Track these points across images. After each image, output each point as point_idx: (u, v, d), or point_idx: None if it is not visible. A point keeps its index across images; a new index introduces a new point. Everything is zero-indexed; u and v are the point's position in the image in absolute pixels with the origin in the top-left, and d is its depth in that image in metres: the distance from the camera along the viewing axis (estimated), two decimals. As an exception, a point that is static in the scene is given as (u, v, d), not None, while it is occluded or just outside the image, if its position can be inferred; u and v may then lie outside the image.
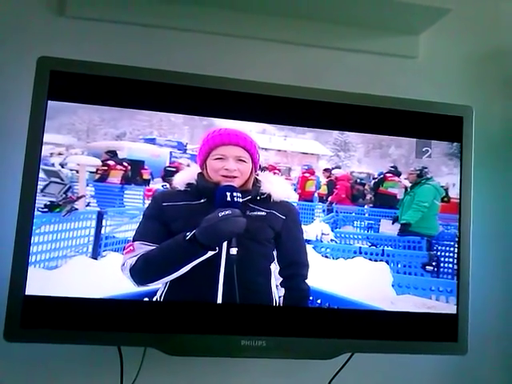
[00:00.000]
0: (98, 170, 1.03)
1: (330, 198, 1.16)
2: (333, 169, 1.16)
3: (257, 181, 1.04)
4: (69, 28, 1.26)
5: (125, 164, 1.05)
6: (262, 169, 1.08)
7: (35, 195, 0.97)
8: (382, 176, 1.17)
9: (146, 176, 1.07)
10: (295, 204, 1.09)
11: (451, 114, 1.18)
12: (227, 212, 0.96)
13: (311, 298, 1.05)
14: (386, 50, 1.39)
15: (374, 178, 1.17)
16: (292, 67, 1.34)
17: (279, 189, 1.05)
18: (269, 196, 1.04)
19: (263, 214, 1.02)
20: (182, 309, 1.02)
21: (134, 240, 0.99)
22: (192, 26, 1.29)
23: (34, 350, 1.13)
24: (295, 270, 1.05)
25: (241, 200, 0.99)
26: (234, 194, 0.98)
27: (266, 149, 1.11)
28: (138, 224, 1.00)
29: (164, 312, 1.02)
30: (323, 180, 1.16)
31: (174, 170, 1.07)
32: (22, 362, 1.16)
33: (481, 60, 1.46)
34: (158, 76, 1.05)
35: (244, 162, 1.02)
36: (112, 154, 1.03)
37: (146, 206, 1.01)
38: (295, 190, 1.13)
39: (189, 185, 1.02)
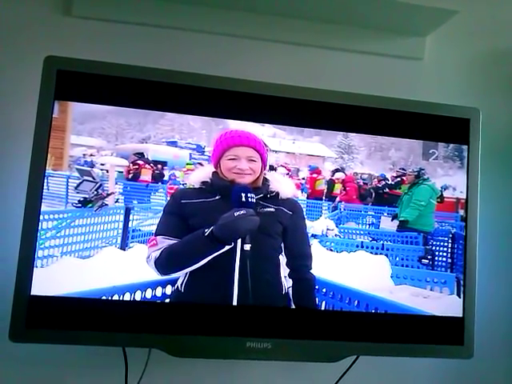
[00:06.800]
0: (130, 169, 1.10)
1: (338, 198, 1.21)
2: (337, 171, 1.22)
3: (266, 180, 1.11)
4: (75, 28, 1.24)
5: (152, 164, 1.13)
6: (274, 169, 1.15)
7: (41, 196, 0.99)
8: (399, 179, 1.21)
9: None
10: (300, 201, 1.15)
11: (458, 116, 1.17)
12: (242, 212, 1.02)
13: (317, 287, 1.09)
14: (393, 52, 1.39)
15: (390, 180, 1.21)
16: (298, 68, 1.33)
17: (286, 187, 1.12)
18: (277, 194, 1.10)
19: (272, 210, 1.08)
20: (186, 310, 1.04)
21: (156, 234, 1.05)
22: (197, 27, 1.29)
23: (38, 351, 1.13)
24: (301, 261, 1.11)
25: (254, 200, 1.05)
26: (249, 194, 1.04)
27: (276, 151, 1.19)
28: (159, 219, 1.06)
29: (169, 313, 1.03)
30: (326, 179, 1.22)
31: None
32: (27, 363, 1.16)
33: (487, 62, 1.44)
34: (162, 76, 1.05)
35: (254, 161, 1.08)
36: (140, 155, 1.11)
37: (166, 203, 1.08)
38: (305, 189, 1.20)
39: (204, 183, 1.08)
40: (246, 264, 1.04)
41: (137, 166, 1.11)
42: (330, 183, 1.23)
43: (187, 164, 1.16)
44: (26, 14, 1.24)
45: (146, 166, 1.12)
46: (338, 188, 1.23)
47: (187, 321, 1.04)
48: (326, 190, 1.22)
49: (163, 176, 1.15)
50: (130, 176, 1.11)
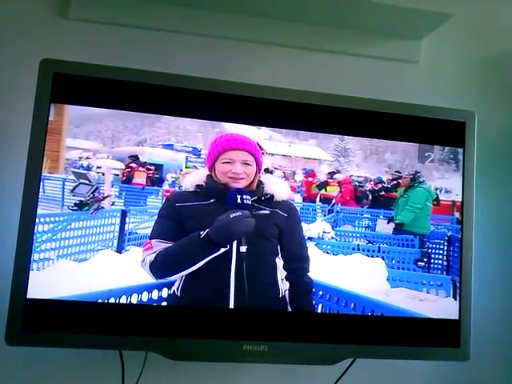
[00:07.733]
0: (124, 172, 1.10)
1: (334, 200, 1.21)
2: (333, 173, 1.22)
3: (260, 182, 1.10)
4: (71, 30, 1.24)
5: (147, 167, 1.13)
6: (270, 172, 1.15)
7: (37, 199, 0.99)
8: (395, 182, 1.21)
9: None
10: (295, 204, 1.15)
11: (454, 119, 1.17)
12: (238, 213, 1.03)
13: (314, 289, 1.09)
14: (388, 55, 1.39)
15: (387, 184, 1.22)
16: (294, 71, 1.34)
17: (281, 189, 1.11)
18: (272, 196, 1.10)
19: (268, 212, 1.08)
20: (183, 313, 1.04)
21: (151, 238, 1.05)
22: (194, 30, 1.29)
23: (34, 354, 1.12)
24: (298, 264, 1.11)
25: (250, 202, 1.05)
26: (244, 196, 1.04)
27: (272, 154, 1.19)
28: (154, 223, 1.06)
29: (165, 316, 1.03)
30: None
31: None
32: (23, 366, 1.15)
33: (482, 66, 1.44)
34: (159, 79, 1.05)
35: (249, 165, 1.08)
36: (135, 157, 1.11)
37: (161, 206, 1.07)
38: (301, 192, 1.20)
39: (198, 186, 1.08)
40: (242, 267, 1.04)
41: (129, 169, 1.11)
42: (326, 186, 1.23)
43: (186, 167, 1.16)
44: (22, 16, 1.23)
45: (140, 168, 1.13)
46: (333, 191, 1.23)
47: (184, 324, 1.03)
48: (321, 193, 1.22)
49: (159, 179, 1.15)
50: (124, 179, 1.11)
